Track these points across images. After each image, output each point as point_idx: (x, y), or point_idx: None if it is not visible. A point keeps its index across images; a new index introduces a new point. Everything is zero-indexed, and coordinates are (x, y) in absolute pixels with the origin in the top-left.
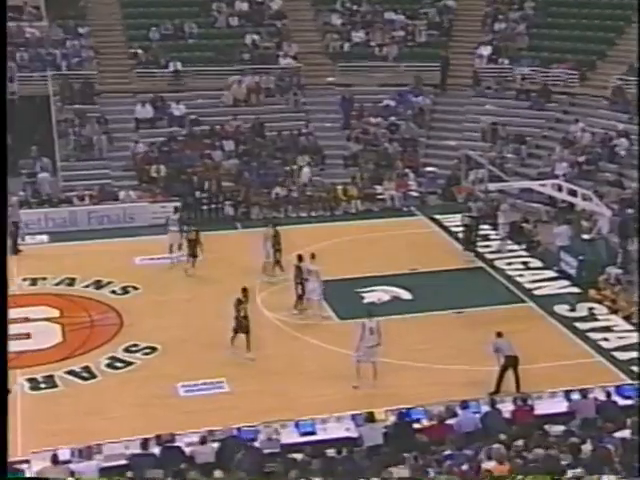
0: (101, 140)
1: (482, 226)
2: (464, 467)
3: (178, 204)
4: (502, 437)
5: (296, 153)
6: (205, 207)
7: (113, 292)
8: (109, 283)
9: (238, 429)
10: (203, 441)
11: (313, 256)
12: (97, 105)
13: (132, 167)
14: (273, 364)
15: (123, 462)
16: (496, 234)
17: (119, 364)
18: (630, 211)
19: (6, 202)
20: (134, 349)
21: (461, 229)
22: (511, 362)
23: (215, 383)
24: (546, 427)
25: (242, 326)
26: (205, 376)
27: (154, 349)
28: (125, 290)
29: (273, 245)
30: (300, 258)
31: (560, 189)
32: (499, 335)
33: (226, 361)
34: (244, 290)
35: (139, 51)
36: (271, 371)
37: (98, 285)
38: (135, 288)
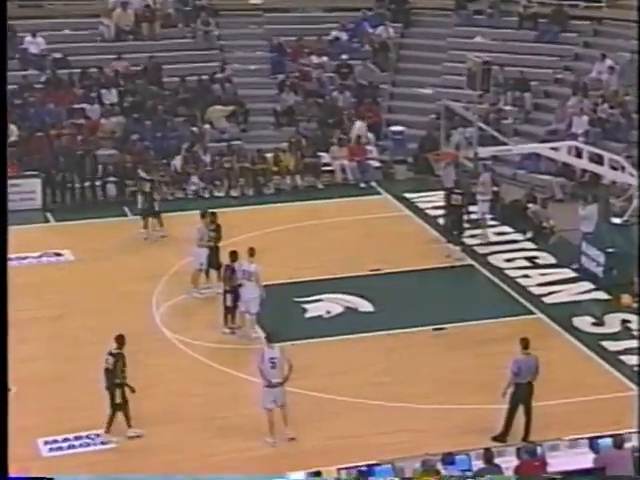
0: None
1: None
2: None
3: (38, 180)
4: None
5: (207, 107)
6: (78, 185)
7: None
8: None
9: None
10: None
11: (252, 252)
12: None
13: None
14: (175, 407)
15: None
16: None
17: None
18: None
19: (6, 201)
20: None
21: (444, 212)
22: (524, 393)
23: (92, 437)
24: None
25: (117, 399)
26: (77, 427)
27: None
28: None
29: (209, 240)
30: (234, 256)
31: (579, 154)
32: (525, 347)
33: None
34: (119, 339)
35: None
36: (172, 417)
37: None
38: None
